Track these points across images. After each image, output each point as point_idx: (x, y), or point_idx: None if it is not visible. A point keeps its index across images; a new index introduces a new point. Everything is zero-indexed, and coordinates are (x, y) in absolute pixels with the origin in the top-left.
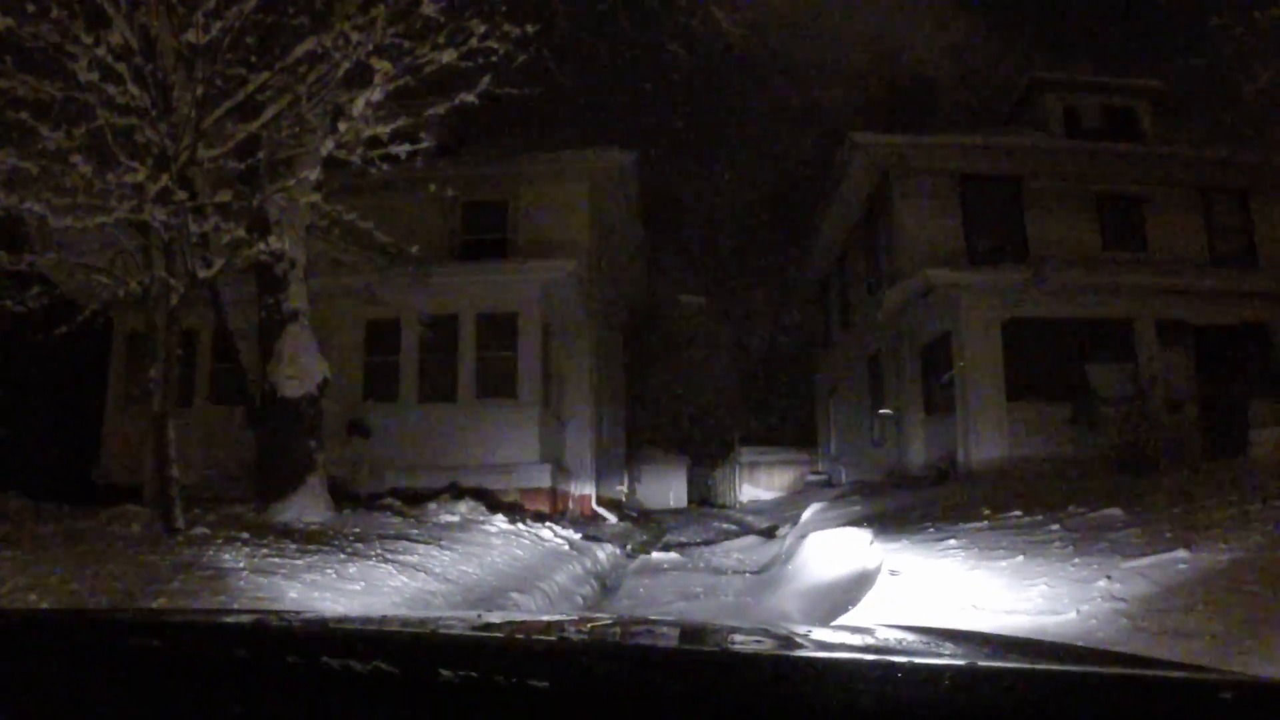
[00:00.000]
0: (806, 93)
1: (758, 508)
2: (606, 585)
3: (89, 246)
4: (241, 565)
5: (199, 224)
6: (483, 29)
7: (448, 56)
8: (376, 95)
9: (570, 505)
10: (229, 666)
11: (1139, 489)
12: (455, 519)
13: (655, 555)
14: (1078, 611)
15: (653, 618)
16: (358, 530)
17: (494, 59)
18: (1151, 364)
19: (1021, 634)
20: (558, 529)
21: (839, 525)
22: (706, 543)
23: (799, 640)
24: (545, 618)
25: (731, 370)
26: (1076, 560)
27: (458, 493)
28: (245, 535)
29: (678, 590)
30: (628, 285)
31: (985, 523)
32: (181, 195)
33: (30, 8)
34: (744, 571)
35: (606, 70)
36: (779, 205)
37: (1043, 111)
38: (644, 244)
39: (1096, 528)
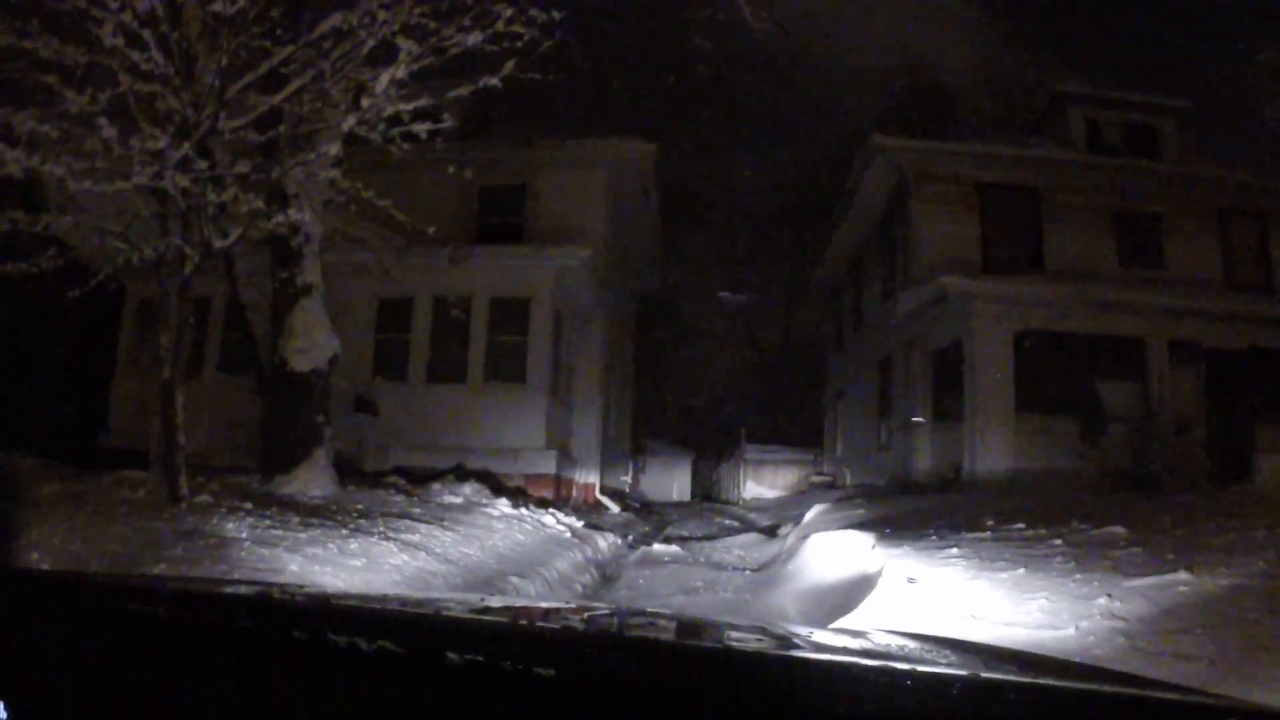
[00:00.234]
0: (829, 94)
1: (760, 505)
2: (606, 575)
3: (105, 211)
4: (244, 536)
5: (217, 194)
6: (509, 13)
7: (473, 39)
8: (401, 74)
9: (574, 493)
10: (232, 637)
11: (1143, 509)
12: (459, 500)
13: (656, 547)
14: (1077, 628)
15: (651, 611)
16: (361, 506)
17: (519, 44)
18: (1161, 384)
19: (1019, 647)
20: (560, 516)
21: (842, 528)
22: (708, 538)
23: (799, 641)
24: (545, 604)
25: (741, 366)
26: (1078, 576)
27: (462, 474)
28: (249, 506)
29: (678, 584)
30: (642, 277)
31: (988, 533)
32: (201, 164)
33: None
34: (744, 568)
35: (631, 61)
36: (796, 204)
37: (1065, 125)
38: (660, 236)
39: (1099, 545)
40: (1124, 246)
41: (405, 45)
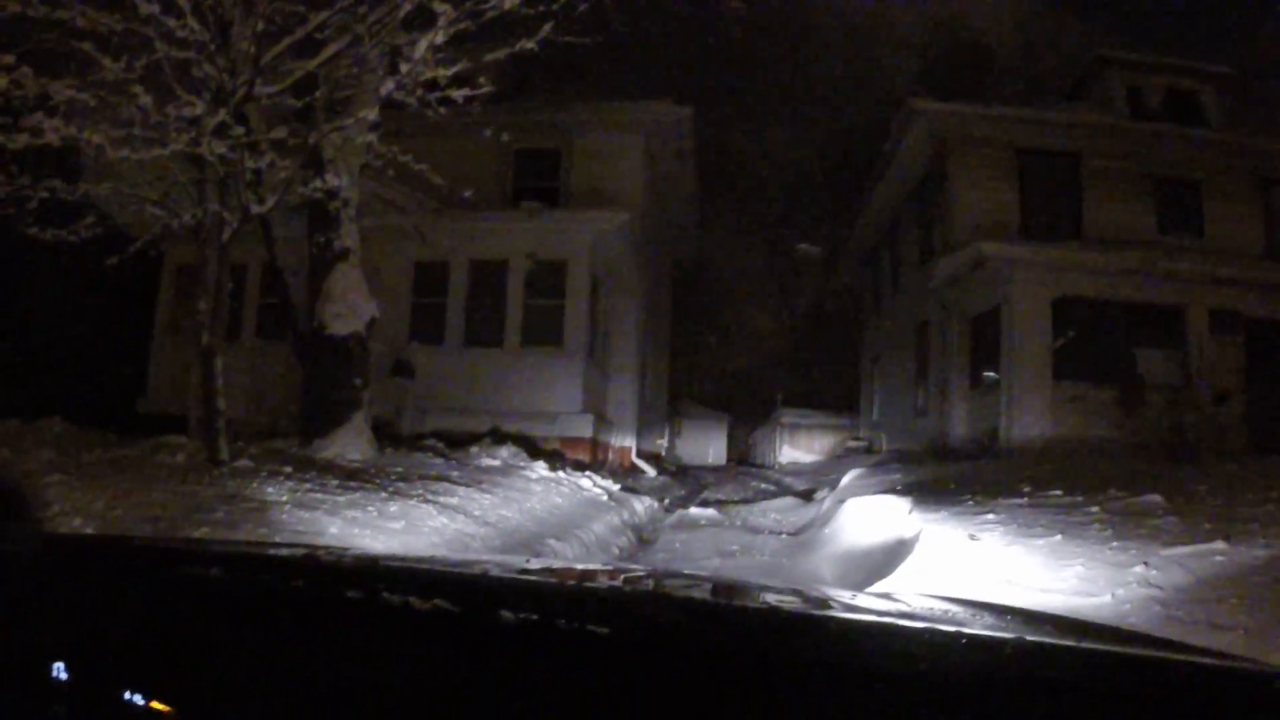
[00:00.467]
0: (866, 57)
1: (796, 470)
2: (643, 538)
3: (143, 179)
4: (284, 499)
5: (254, 159)
6: None
7: (510, 3)
8: (439, 38)
9: (610, 456)
10: (288, 598)
11: (1181, 478)
12: (496, 463)
13: (693, 511)
14: (1113, 595)
15: (688, 573)
16: (399, 470)
17: (556, 6)
18: (1200, 353)
19: (1057, 613)
20: (597, 479)
21: (877, 492)
22: (744, 501)
23: (840, 604)
24: (581, 566)
25: (777, 330)
26: (1115, 544)
27: (499, 437)
28: (288, 470)
29: (714, 547)
30: (677, 240)
31: (1025, 499)
32: (238, 131)
33: None
34: (780, 532)
35: (667, 23)
36: (833, 168)
37: (1106, 89)
38: (695, 199)
39: (1136, 513)
40: (1164, 213)
41: (442, 9)
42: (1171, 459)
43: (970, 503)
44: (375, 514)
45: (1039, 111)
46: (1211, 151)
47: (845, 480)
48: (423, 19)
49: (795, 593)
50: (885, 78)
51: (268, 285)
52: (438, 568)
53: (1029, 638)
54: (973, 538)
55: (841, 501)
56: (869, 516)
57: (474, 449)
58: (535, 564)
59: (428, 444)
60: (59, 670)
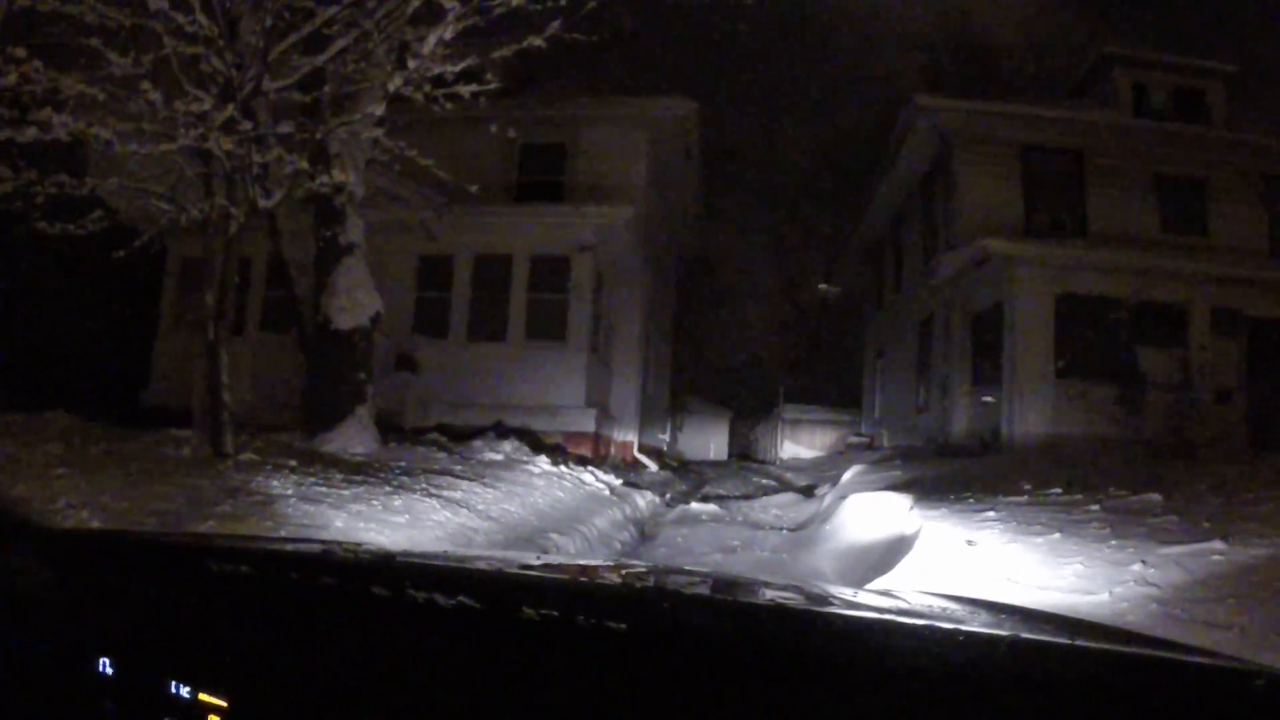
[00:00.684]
0: (872, 53)
1: (797, 465)
2: (645, 532)
3: (150, 173)
4: (289, 492)
5: (261, 154)
6: None
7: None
8: (448, 34)
9: (612, 451)
10: (319, 595)
11: (1181, 477)
12: (499, 457)
13: (694, 506)
14: (1111, 593)
15: (690, 569)
16: (403, 463)
17: (563, 2)
18: (1202, 352)
19: (1054, 610)
20: (599, 474)
21: (879, 489)
22: (745, 497)
23: (841, 601)
24: (582, 562)
25: (779, 326)
26: (1113, 542)
27: (502, 432)
28: (292, 463)
29: (715, 542)
30: (681, 235)
31: (1025, 497)
32: (246, 125)
33: None
34: (781, 528)
35: (673, 19)
36: (838, 163)
37: (1111, 87)
38: (700, 196)
39: (1135, 512)
40: (1167, 212)
41: (451, 5)
42: (1172, 457)
43: (971, 500)
44: (380, 508)
45: (1043, 109)
46: (1216, 150)
47: (846, 476)
48: (431, 14)
49: (796, 589)
50: (891, 75)
51: (272, 279)
52: (453, 564)
53: (1025, 635)
54: (970, 543)
55: (843, 498)
56: (870, 513)
57: (477, 443)
58: (541, 560)
59: (431, 438)
60: (104, 665)
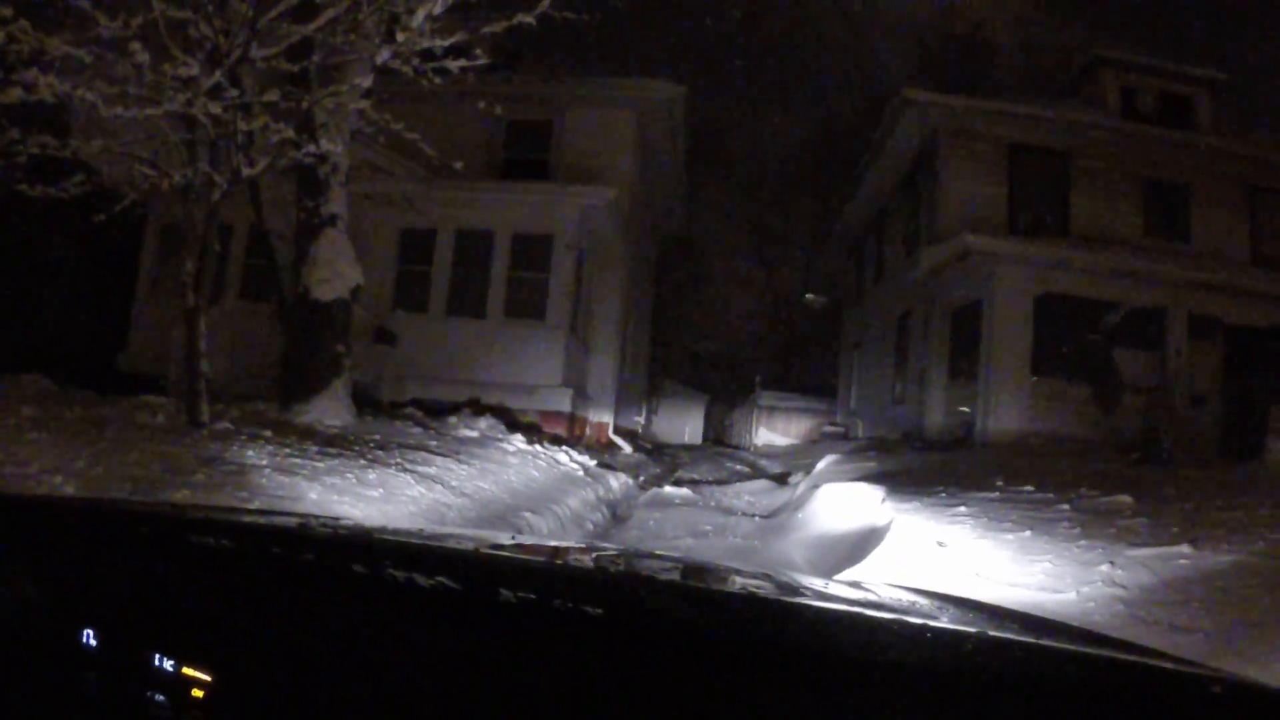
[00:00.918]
0: (863, 44)
1: (771, 452)
2: (618, 514)
3: (134, 137)
4: (264, 463)
5: (247, 122)
6: None
7: None
8: (438, 9)
9: (587, 431)
10: (299, 571)
11: (1152, 479)
12: (474, 434)
13: (667, 489)
14: (1078, 593)
15: (660, 554)
16: (378, 437)
17: None
18: (1179, 357)
19: (1022, 608)
20: (574, 454)
21: (852, 479)
22: (719, 482)
23: (812, 592)
24: (554, 543)
25: (759, 312)
26: (1082, 542)
27: (478, 408)
28: (268, 434)
29: (687, 527)
30: (664, 218)
31: (997, 494)
32: (233, 92)
33: None
34: (754, 514)
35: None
36: (824, 153)
37: (1099, 89)
38: (684, 179)
39: (1105, 513)
40: (1150, 216)
41: None
42: (1145, 460)
43: (943, 494)
44: (354, 481)
45: (1031, 108)
46: (1201, 156)
47: (820, 465)
48: None
49: (767, 578)
50: (880, 67)
51: (253, 247)
52: (431, 544)
53: (990, 633)
54: (941, 544)
55: (816, 487)
56: (842, 503)
57: (453, 419)
58: (515, 540)
59: (407, 412)
60: (88, 637)
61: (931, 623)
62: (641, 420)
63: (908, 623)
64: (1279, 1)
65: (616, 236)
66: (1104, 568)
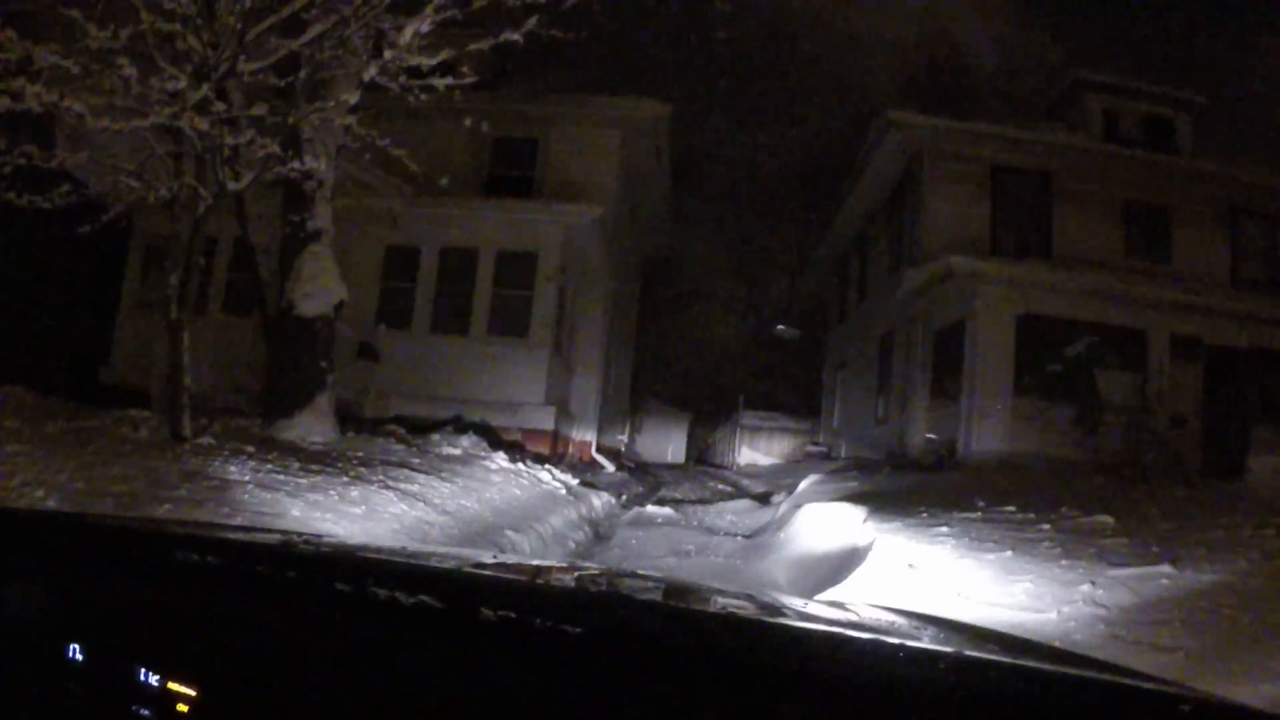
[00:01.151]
0: (847, 66)
1: (754, 472)
2: (600, 533)
3: (120, 149)
4: (247, 479)
5: (233, 136)
6: None
7: None
8: (426, 26)
9: (570, 450)
10: (284, 588)
11: (1133, 499)
12: (457, 452)
13: (650, 509)
14: (1059, 612)
15: (642, 573)
16: (361, 454)
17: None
18: (1160, 377)
19: (1002, 627)
20: (556, 472)
21: (834, 499)
22: (701, 501)
23: (792, 611)
24: (536, 562)
25: (742, 332)
26: (1064, 562)
27: (461, 426)
28: (251, 449)
29: (669, 546)
30: (648, 237)
31: (978, 514)
32: (219, 106)
33: None
34: (736, 534)
35: (651, 20)
36: (808, 173)
37: (1082, 112)
38: (669, 198)
39: (1087, 533)
40: (1132, 238)
41: None
42: (1126, 480)
43: (925, 515)
44: (336, 498)
45: (1014, 129)
46: (1183, 178)
47: (802, 485)
48: (409, 4)
49: (749, 598)
50: (865, 89)
51: (237, 261)
52: (414, 562)
53: (967, 653)
54: (911, 566)
55: (798, 507)
56: (824, 523)
57: (436, 436)
58: (497, 559)
59: (390, 429)
60: (74, 652)
61: (908, 642)
62: (624, 439)
63: (885, 642)
64: (1258, 25)
65: (601, 255)
66: (1085, 587)
